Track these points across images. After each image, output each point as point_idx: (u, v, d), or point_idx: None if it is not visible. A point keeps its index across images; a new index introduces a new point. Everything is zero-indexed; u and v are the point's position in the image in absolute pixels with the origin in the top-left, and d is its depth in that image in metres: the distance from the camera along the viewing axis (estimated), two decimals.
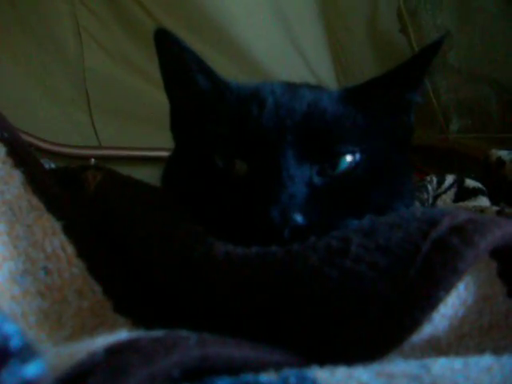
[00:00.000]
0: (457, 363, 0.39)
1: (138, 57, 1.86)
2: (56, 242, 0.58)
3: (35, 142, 1.80)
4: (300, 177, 0.60)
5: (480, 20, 1.66)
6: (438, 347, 0.45)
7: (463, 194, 1.22)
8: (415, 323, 0.43)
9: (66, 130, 1.93)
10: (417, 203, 0.92)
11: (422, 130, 1.78)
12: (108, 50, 1.91)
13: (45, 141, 1.83)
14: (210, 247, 0.52)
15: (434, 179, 1.27)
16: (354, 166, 0.64)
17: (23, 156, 0.64)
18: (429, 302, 0.43)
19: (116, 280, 0.58)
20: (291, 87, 0.72)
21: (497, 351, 0.42)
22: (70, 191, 0.67)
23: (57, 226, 0.59)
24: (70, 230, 0.59)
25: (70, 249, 0.58)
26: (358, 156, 0.64)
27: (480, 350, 0.44)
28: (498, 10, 1.61)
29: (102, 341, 0.38)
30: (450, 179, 1.26)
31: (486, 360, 0.40)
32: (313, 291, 0.46)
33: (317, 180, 0.62)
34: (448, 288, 0.44)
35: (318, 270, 0.47)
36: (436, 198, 1.23)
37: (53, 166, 1.18)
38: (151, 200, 0.65)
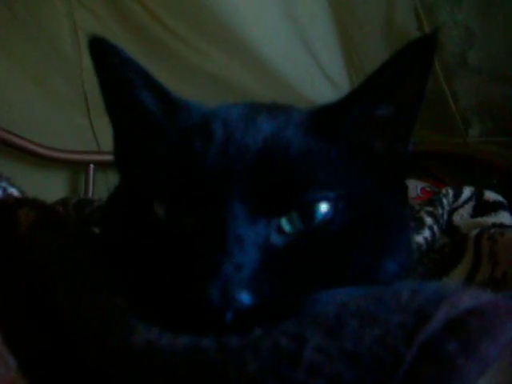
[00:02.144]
0: None
1: (138, 58, 1.77)
2: None
3: (31, 146, 1.74)
4: (252, 238, 0.47)
5: (502, 16, 1.54)
6: None
7: (482, 208, 1.11)
8: None
9: (64, 133, 1.86)
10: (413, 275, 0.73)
11: (438, 135, 1.71)
12: None
13: (41, 146, 1.76)
14: (129, 333, 0.41)
15: (450, 192, 1.16)
16: (331, 217, 0.50)
17: None
18: None
19: (36, 353, 0.46)
20: (251, 113, 0.57)
21: None
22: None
23: None
24: None
25: None
26: (335, 203, 0.50)
27: None
28: None
29: None
30: (467, 192, 1.15)
31: None
32: None
33: (276, 240, 0.49)
34: None
35: (257, 382, 0.35)
36: (452, 212, 1.12)
37: (13, 189, 1.04)
38: (79, 254, 0.53)
